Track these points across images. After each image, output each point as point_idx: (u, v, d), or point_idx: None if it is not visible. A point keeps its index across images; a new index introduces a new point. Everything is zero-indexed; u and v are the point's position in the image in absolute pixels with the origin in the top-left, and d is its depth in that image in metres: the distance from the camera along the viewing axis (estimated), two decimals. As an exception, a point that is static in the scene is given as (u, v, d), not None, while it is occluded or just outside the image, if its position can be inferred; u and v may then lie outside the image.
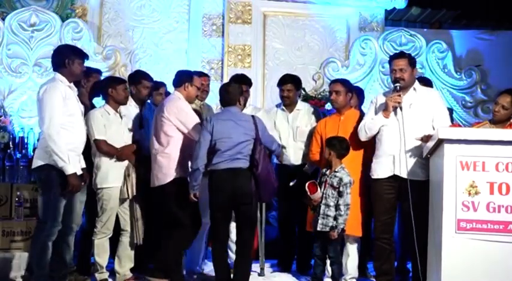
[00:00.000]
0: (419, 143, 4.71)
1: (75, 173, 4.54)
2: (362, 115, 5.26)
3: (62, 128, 4.49)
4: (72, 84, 4.69)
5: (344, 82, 5.38)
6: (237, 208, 4.77)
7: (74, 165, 4.55)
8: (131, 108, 5.38)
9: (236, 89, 4.94)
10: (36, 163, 4.58)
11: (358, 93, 5.91)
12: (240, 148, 4.71)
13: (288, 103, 5.80)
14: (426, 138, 4.61)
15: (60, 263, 4.73)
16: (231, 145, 4.70)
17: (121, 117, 5.14)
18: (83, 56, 4.79)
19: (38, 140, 4.70)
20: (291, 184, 5.43)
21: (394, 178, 4.78)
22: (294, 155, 5.70)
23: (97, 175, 5.00)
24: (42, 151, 4.54)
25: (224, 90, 4.96)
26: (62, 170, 4.48)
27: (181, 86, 5.03)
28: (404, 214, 4.78)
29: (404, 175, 4.72)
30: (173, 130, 4.86)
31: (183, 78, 5.08)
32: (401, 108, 4.75)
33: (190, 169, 4.76)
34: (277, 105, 5.97)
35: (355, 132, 5.14)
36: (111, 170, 4.98)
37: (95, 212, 5.13)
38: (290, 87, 5.77)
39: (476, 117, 7.55)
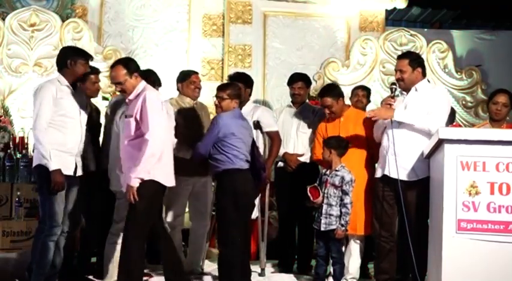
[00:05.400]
0: (410, 144, 4.71)
1: (58, 170, 4.50)
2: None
3: (50, 127, 4.51)
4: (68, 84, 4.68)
5: (330, 94, 5.28)
6: None
7: (66, 166, 4.56)
8: None
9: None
10: (34, 162, 4.63)
11: (365, 93, 6.10)
12: (248, 149, 4.82)
13: (298, 100, 5.90)
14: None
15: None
16: (246, 146, 4.79)
17: None
18: (87, 56, 4.78)
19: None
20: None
21: (386, 178, 4.80)
22: (293, 149, 5.72)
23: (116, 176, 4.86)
24: (36, 151, 4.61)
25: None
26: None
27: None
28: (399, 214, 4.80)
29: (393, 175, 4.72)
30: None
31: None
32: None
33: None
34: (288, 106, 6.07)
35: (357, 132, 5.16)
36: None
37: (94, 213, 5.11)
38: (301, 85, 5.91)
39: (477, 117, 7.55)
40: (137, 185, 4.29)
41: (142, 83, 4.54)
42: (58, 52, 4.85)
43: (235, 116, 4.81)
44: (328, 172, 5.05)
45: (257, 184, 4.92)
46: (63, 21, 6.95)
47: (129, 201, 4.33)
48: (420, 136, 4.68)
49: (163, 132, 4.43)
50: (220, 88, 4.91)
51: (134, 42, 7.39)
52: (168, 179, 4.53)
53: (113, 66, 4.59)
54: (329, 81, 7.41)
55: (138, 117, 4.36)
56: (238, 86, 5.02)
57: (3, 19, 6.84)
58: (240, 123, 4.80)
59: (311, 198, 4.95)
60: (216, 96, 4.86)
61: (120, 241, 4.80)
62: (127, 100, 4.53)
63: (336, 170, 5.00)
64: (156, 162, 4.34)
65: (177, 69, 5.88)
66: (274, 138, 5.56)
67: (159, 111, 4.41)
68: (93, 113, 5.34)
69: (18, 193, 5.54)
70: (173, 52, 7.46)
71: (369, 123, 5.13)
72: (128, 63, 4.57)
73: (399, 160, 4.67)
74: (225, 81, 7.16)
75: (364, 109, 5.88)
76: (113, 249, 4.87)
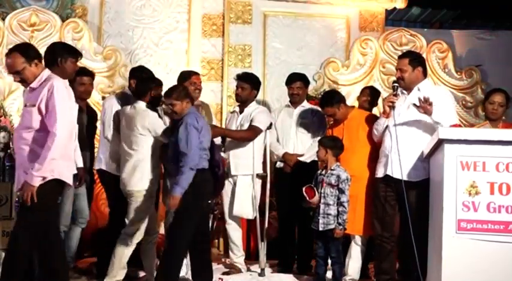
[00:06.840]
0: (413, 144, 4.72)
1: None
2: (373, 116, 5.33)
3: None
4: None
5: (330, 103, 5.30)
6: None
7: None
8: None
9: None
10: None
11: (373, 94, 6.09)
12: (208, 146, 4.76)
13: (297, 100, 5.87)
14: (424, 103, 4.57)
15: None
16: (207, 143, 4.73)
17: None
18: (77, 54, 4.49)
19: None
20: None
21: (389, 178, 4.79)
22: (293, 150, 5.72)
23: (132, 177, 4.83)
24: None
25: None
26: None
27: None
28: (400, 214, 4.80)
29: (396, 176, 4.72)
30: None
31: None
32: (393, 109, 4.75)
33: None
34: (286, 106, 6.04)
35: (360, 132, 5.15)
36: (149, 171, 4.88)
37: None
38: (300, 85, 5.87)
39: (477, 117, 7.55)
40: (38, 184, 3.97)
41: (47, 72, 4.15)
42: (47, 48, 4.46)
43: (199, 115, 4.79)
44: (323, 172, 5.07)
45: (215, 184, 4.85)
46: (63, 21, 6.96)
47: (25, 201, 3.99)
48: (423, 136, 4.69)
49: (69, 125, 4.12)
50: (167, 96, 4.72)
51: (134, 42, 7.39)
52: (70, 176, 4.21)
53: (8, 54, 4.11)
54: (329, 81, 7.44)
55: (42, 107, 4.01)
56: (181, 86, 4.98)
57: (3, 19, 6.85)
58: (205, 122, 4.80)
59: (307, 198, 4.96)
60: (167, 104, 4.73)
61: (132, 241, 4.83)
62: (28, 88, 4.14)
63: (332, 169, 5.01)
64: (60, 158, 4.03)
65: (177, 69, 5.90)
66: (252, 129, 5.45)
67: (66, 102, 4.09)
68: (82, 115, 5.23)
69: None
70: (173, 52, 7.46)
71: (373, 123, 5.13)
72: (26, 50, 4.13)
73: (402, 160, 4.67)
74: (225, 82, 7.22)
75: (368, 109, 5.86)
76: (123, 249, 4.84)
